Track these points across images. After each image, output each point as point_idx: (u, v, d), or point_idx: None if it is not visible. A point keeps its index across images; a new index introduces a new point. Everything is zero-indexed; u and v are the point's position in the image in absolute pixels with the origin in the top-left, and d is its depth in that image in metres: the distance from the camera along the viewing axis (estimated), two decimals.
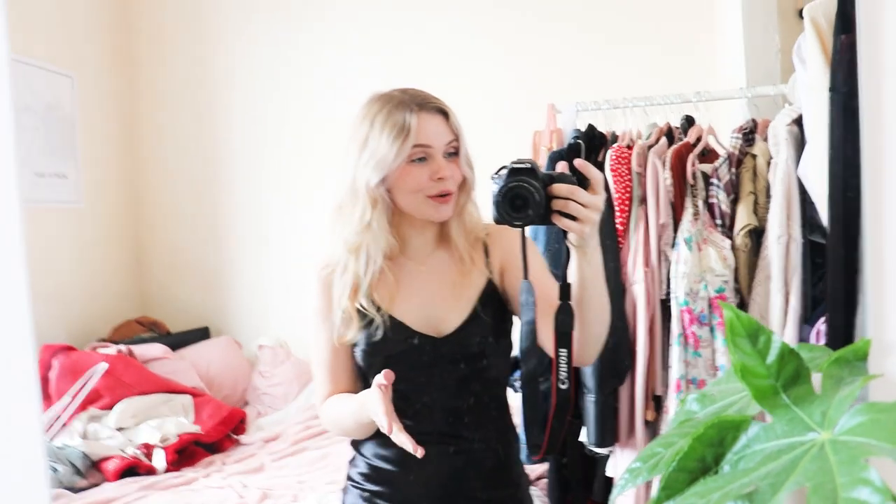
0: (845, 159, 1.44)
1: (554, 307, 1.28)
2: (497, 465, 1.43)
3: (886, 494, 0.45)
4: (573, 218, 1.18)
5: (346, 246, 1.42)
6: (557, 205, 1.18)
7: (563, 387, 1.26)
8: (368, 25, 3.77)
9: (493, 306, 1.42)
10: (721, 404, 0.67)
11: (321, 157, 3.52)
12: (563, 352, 1.25)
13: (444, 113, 1.40)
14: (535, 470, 2.46)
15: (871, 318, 0.71)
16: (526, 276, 1.29)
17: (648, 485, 2.00)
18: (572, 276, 1.24)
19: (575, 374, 2.02)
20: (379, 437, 1.41)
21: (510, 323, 1.46)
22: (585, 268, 1.23)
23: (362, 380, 1.45)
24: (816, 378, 0.63)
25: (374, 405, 1.26)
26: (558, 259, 2.02)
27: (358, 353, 1.42)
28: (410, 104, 1.38)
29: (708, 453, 0.59)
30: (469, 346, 1.39)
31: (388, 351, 1.40)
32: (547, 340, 1.31)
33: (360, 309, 1.41)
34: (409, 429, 1.28)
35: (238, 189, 4.12)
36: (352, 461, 1.49)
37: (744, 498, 0.51)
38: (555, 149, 2.31)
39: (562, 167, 1.23)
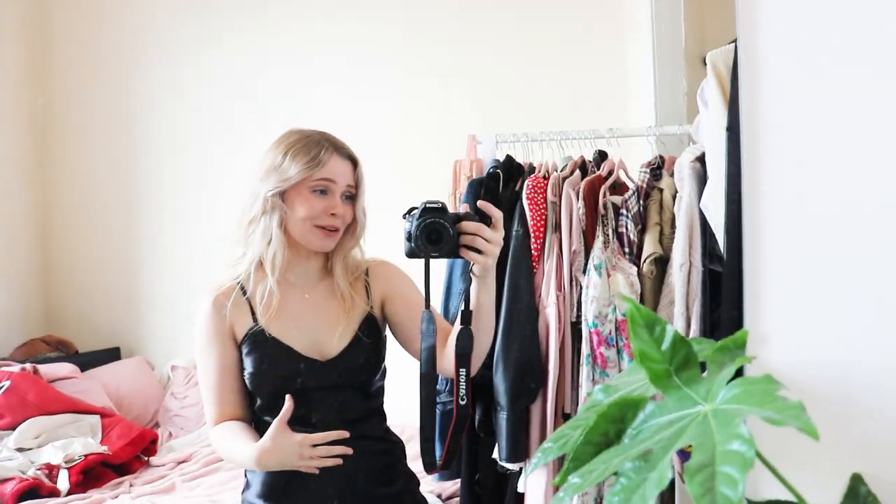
0: (738, 188, 1.58)
1: (443, 330, 1.47)
2: (385, 466, 1.58)
3: (751, 444, 0.53)
4: (478, 251, 1.35)
5: (248, 263, 1.51)
6: (465, 240, 1.36)
7: (463, 402, 1.41)
8: (291, 47, 3.80)
9: (372, 334, 1.57)
10: (623, 392, 0.75)
11: (235, 178, 3.52)
12: (463, 371, 1.40)
13: (353, 162, 1.56)
14: (447, 488, 2.52)
15: (748, 314, 0.81)
16: (427, 306, 1.43)
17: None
18: (472, 302, 1.40)
19: (488, 392, 2.12)
20: None
21: (384, 349, 1.62)
22: (484, 295, 1.41)
23: (250, 402, 1.53)
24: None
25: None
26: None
27: (247, 376, 1.52)
28: (326, 144, 1.53)
29: (611, 428, 0.67)
30: (352, 367, 1.53)
31: (277, 374, 1.50)
32: (440, 360, 1.46)
33: (252, 332, 1.51)
34: None
35: (152, 206, 4.06)
36: (245, 487, 1.57)
37: (640, 458, 0.59)
38: (474, 177, 2.40)
39: (464, 209, 1.45)
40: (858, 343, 0.80)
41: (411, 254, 1.40)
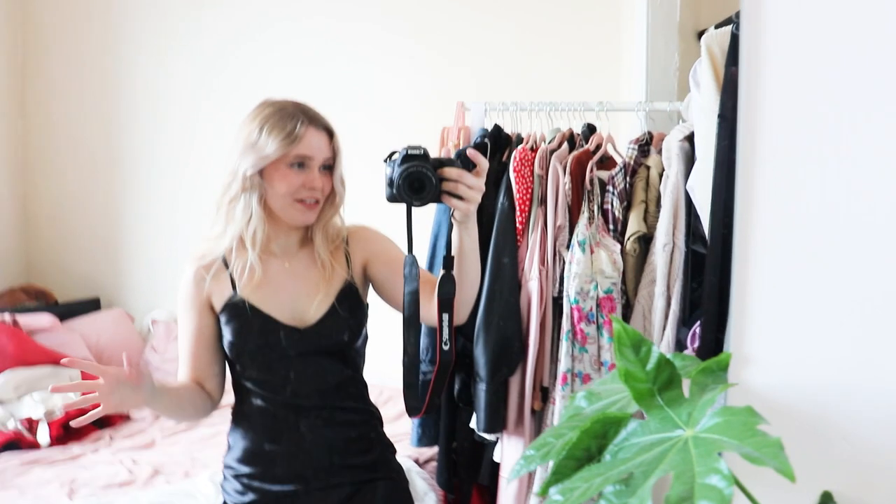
0: (728, 181, 1.59)
1: (427, 281, 1.49)
2: (362, 434, 1.59)
3: (731, 481, 0.55)
4: (460, 197, 1.35)
5: (229, 240, 1.52)
6: (447, 186, 1.36)
7: (446, 348, 1.44)
8: (278, 9, 3.72)
9: (350, 303, 1.57)
10: (605, 402, 0.77)
11: (216, 133, 3.49)
12: (446, 316, 1.43)
13: (329, 132, 1.55)
14: (423, 454, 2.56)
15: (732, 335, 0.83)
16: (410, 251, 1.45)
17: (530, 475, 2.13)
18: (454, 248, 1.43)
19: (468, 364, 2.15)
20: (250, 423, 1.55)
21: (365, 317, 1.62)
22: (466, 240, 1.42)
23: (231, 368, 1.57)
24: (686, 383, 0.74)
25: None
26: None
27: (227, 345, 1.55)
28: (301, 116, 1.51)
29: (593, 444, 0.68)
30: (330, 335, 1.54)
31: (258, 341, 1.52)
32: (425, 310, 1.48)
33: (232, 302, 1.53)
34: (283, 406, 1.52)
35: (136, 156, 4.01)
36: (228, 451, 1.60)
37: (621, 482, 0.61)
38: (462, 145, 2.39)
39: (473, 154, 1.39)
40: (838, 366, 0.82)
41: (392, 199, 1.40)
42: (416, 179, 1.36)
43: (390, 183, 1.39)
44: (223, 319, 1.54)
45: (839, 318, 0.83)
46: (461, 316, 1.50)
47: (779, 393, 0.79)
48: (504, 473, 2.18)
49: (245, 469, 1.55)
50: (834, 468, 0.79)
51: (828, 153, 0.86)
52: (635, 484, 0.59)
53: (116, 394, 1.39)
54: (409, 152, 1.38)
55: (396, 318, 1.55)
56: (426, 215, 2.22)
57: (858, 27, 0.89)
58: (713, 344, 1.44)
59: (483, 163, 1.39)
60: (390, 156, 1.42)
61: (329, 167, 1.55)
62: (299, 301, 1.56)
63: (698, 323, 1.87)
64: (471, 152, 1.39)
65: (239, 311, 1.52)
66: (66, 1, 4.08)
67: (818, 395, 0.80)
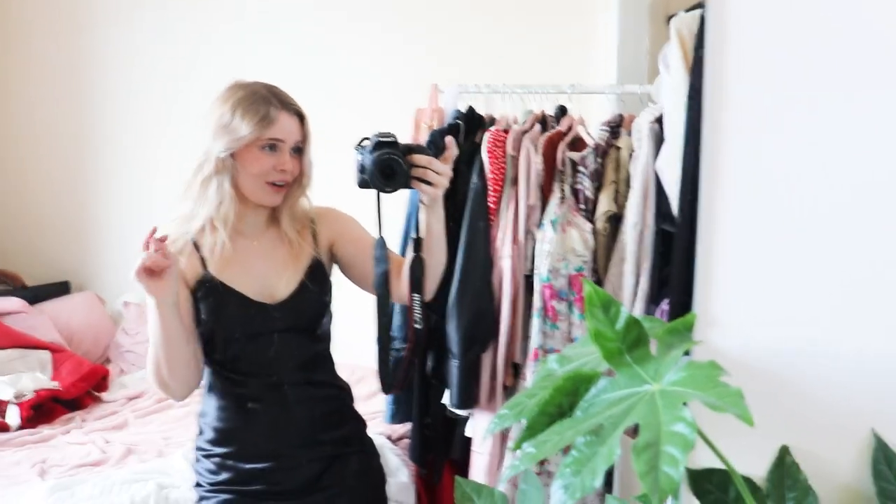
0: (696, 158, 1.63)
1: (396, 262, 1.56)
2: (333, 410, 1.64)
3: (694, 427, 0.58)
4: (428, 183, 1.42)
5: (201, 220, 1.52)
6: (417, 172, 1.42)
7: (419, 326, 1.50)
8: (260, 3, 3.71)
9: (318, 281, 1.61)
10: (576, 364, 0.80)
11: (185, 114, 3.47)
12: (416, 296, 1.50)
13: (300, 116, 1.58)
14: (396, 430, 2.59)
15: (698, 297, 0.86)
16: (380, 234, 1.52)
17: (504, 437, 2.17)
18: (422, 230, 1.49)
19: (441, 341, 2.17)
20: (221, 403, 1.54)
21: (330, 295, 1.65)
22: (434, 222, 1.48)
23: (203, 346, 1.56)
24: (654, 344, 0.77)
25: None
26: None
27: (201, 323, 1.53)
28: (273, 100, 1.53)
29: (565, 401, 0.71)
30: (300, 310, 1.58)
31: (228, 318, 1.54)
32: (394, 290, 1.55)
33: (203, 280, 1.54)
34: (256, 384, 1.54)
35: (104, 136, 3.96)
36: (198, 434, 1.62)
37: (591, 433, 0.64)
38: (436, 127, 2.41)
39: (449, 142, 1.47)
40: (797, 327, 0.86)
41: (364, 185, 1.44)
42: (388, 166, 1.41)
43: (361, 169, 1.44)
44: (198, 297, 1.54)
45: (799, 282, 0.87)
46: (429, 293, 1.56)
47: (741, 352, 0.83)
48: (476, 448, 2.22)
49: (218, 449, 1.57)
50: (789, 423, 0.83)
51: (788, 126, 0.90)
52: (605, 434, 0.63)
53: (174, 273, 1.40)
54: (380, 139, 1.43)
55: (367, 299, 1.59)
56: (400, 199, 2.24)
57: (821, 7, 0.93)
58: (680, 308, 1.49)
59: (453, 150, 1.47)
60: (361, 142, 1.47)
61: (299, 150, 1.57)
62: (269, 278, 1.58)
63: (666, 300, 1.91)
64: (448, 139, 1.46)
65: (211, 289, 1.53)
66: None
67: (778, 355, 0.84)
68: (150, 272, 1.38)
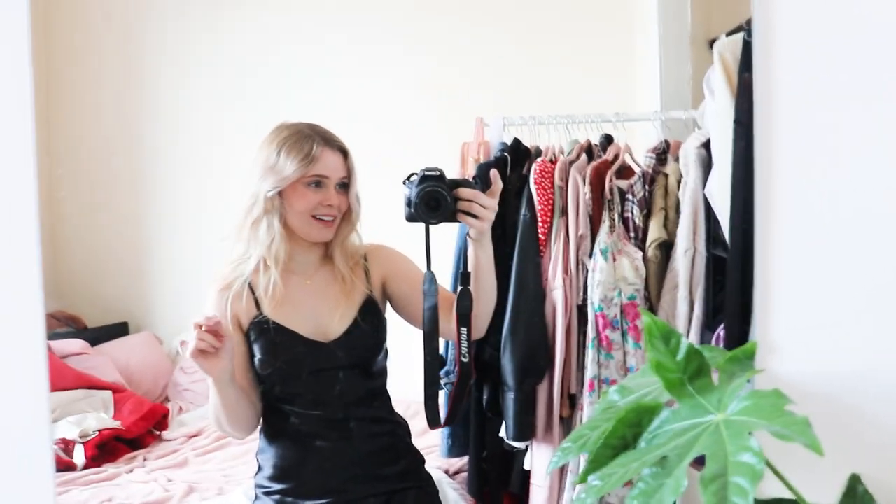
0: (746, 182, 1.62)
1: (445, 297, 1.56)
2: (390, 446, 1.65)
3: (761, 457, 0.58)
4: (475, 216, 1.44)
5: (255, 261, 1.56)
6: (463, 205, 1.45)
7: (465, 360, 1.51)
8: (298, 25, 3.80)
9: (372, 317, 1.63)
10: (638, 394, 0.80)
11: (237, 154, 3.55)
12: (464, 330, 1.50)
13: (343, 152, 1.62)
14: (454, 464, 2.59)
15: (758, 325, 0.86)
16: (429, 268, 1.53)
17: (562, 469, 2.15)
18: (470, 264, 1.51)
19: (496, 373, 2.18)
20: (280, 440, 1.56)
21: (385, 332, 1.68)
22: (482, 256, 1.50)
23: (259, 387, 1.59)
24: (715, 373, 0.77)
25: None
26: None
27: (256, 363, 1.57)
28: (317, 137, 1.58)
29: (628, 433, 0.72)
30: (354, 348, 1.60)
31: (284, 356, 1.56)
32: (444, 325, 1.55)
33: (257, 321, 1.56)
34: (312, 420, 1.56)
35: (159, 180, 4.08)
36: (258, 471, 1.64)
37: (657, 465, 0.64)
38: (482, 160, 2.43)
39: (494, 175, 1.50)
40: (860, 353, 0.85)
41: (411, 218, 1.48)
42: (433, 199, 1.45)
43: (408, 203, 1.48)
44: (252, 338, 1.58)
45: (859, 306, 0.86)
46: (480, 329, 1.57)
47: (804, 379, 0.83)
48: (535, 481, 2.20)
49: (277, 486, 1.59)
50: (859, 451, 0.82)
51: (841, 150, 0.90)
52: (670, 465, 0.63)
53: (228, 352, 1.44)
54: (426, 173, 1.47)
55: (421, 335, 1.60)
56: (451, 236, 2.27)
57: (866, 29, 0.93)
58: (739, 336, 1.48)
59: (498, 183, 1.49)
60: (409, 177, 1.50)
61: (345, 185, 1.61)
62: (322, 316, 1.61)
63: (721, 326, 1.89)
64: (492, 173, 1.49)
65: (264, 329, 1.57)
66: (88, 22, 4.17)
67: (843, 381, 0.83)
68: (205, 353, 1.41)
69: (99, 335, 3.81)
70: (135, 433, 3.09)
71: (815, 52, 0.96)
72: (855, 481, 0.75)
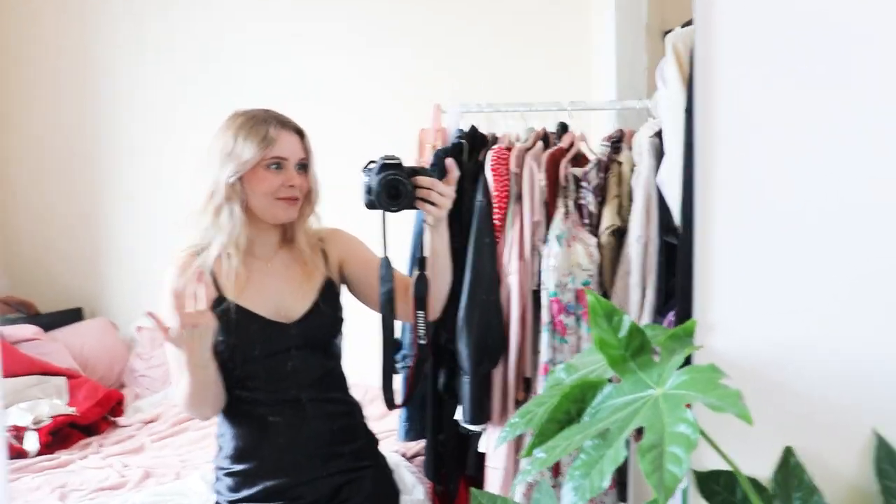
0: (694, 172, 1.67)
1: (401, 281, 1.61)
2: (346, 426, 1.67)
3: (696, 428, 0.62)
4: (432, 203, 1.48)
5: (217, 248, 1.57)
6: (421, 193, 1.49)
7: (422, 342, 1.56)
8: (258, 9, 3.77)
9: (332, 299, 1.66)
10: (583, 372, 0.83)
11: (195, 139, 3.51)
12: (421, 313, 1.56)
13: (300, 134, 1.63)
14: (411, 448, 2.61)
15: (697, 304, 0.90)
16: (385, 254, 1.57)
17: (517, 451, 2.19)
18: (426, 249, 1.55)
19: (452, 357, 2.20)
20: (238, 421, 1.59)
21: (342, 312, 1.69)
22: (438, 241, 1.55)
23: (220, 367, 1.59)
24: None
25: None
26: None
27: (217, 344, 1.56)
28: (272, 121, 1.59)
29: (572, 408, 0.74)
30: (314, 328, 1.62)
31: (245, 337, 1.57)
32: (401, 308, 1.60)
33: (219, 304, 1.57)
34: (271, 400, 1.57)
35: (114, 164, 4.02)
36: (217, 453, 1.65)
37: (599, 437, 0.67)
38: (439, 146, 2.45)
39: (450, 164, 1.53)
40: (794, 330, 0.89)
41: (371, 206, 1.52)
42: (393, 187, 1.48)
43: (368, 190, 1.51)
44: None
45: (796, 284, 0.91)
46: (435, 311, 1.61)
47: (741, 356, 0.86)
48: (490, 463, 2.24)
49: (237, 467, 1.60)
50: (793, 424, 0.86)
51: (778, 134, 0.94)
52: (611, 437, 0.66)
53: (209, 328, 1.43)
54: (386, 162, 1.50)
55: (379, 320, 1.63)
56: (407, 222, 2.28)
57: (806, 18, 0.97)
58: (685, 317, 1.52)
59: (455, 172, 1.53)
60: (367, 165, 1.53)
61: (304, 166, 1.62)
62: (283, 298, 1.62)
63: (672, 311, 1.94)
64: (448, 162, 1.52)
65: (225, 311, 1.57)
66: (41, 9, 4.09)
67: (779, 358, 0.87)
68: (193, 330, 1.41)
69: (52, 321, 3.76)
70: (89, 419, 3.06)
71: (754, 41, 0.99)
72: (788, 453, 0.78)
